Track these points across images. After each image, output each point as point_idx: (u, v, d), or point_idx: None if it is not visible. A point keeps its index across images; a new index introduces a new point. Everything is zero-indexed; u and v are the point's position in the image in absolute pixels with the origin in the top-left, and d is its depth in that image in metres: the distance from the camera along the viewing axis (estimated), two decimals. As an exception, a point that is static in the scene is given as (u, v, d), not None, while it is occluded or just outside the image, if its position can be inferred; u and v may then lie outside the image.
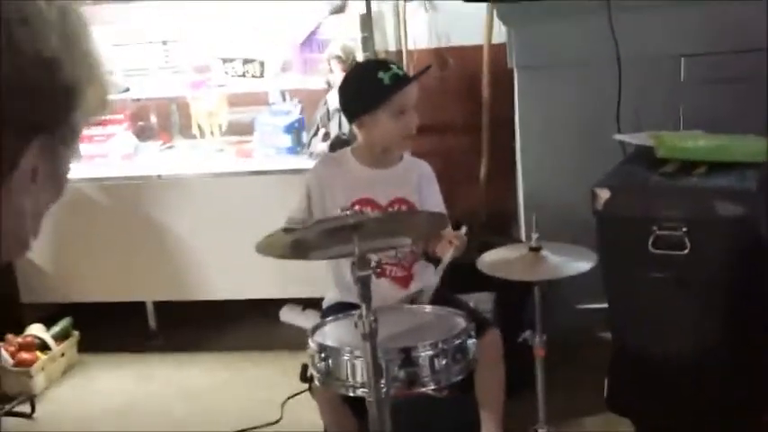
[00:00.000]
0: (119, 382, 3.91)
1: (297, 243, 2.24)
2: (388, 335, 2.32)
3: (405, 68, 4.23)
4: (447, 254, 2.69)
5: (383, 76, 2.74)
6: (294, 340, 4.11)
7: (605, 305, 3.63)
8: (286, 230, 2.29)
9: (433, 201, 2.92)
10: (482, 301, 3.19)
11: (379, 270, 2.17)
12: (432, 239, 2.73)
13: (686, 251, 2.84)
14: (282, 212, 3.88)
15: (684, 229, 2.84)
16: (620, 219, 2.93)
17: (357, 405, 2.75)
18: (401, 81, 2.76)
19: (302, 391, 3.57)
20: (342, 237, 2.21)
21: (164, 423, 3.54)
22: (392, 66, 2.81)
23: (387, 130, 2.78)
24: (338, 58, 3.78)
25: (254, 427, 3.42)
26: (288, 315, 4.32)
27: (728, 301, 2.86)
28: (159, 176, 4.13)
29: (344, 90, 2.88)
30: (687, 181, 2.93)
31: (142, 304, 4.28)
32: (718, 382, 2.90)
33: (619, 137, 3.40)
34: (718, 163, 2.99)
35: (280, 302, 4.34)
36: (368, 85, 2.77)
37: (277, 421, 3.47)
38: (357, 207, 2.72)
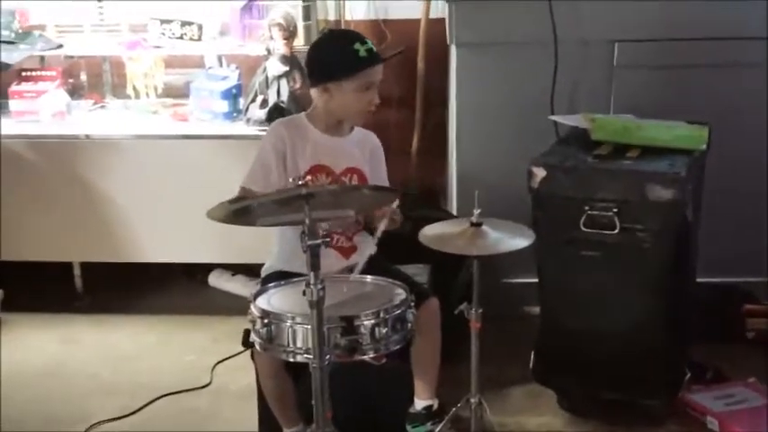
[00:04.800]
0: (44, 343, 3.87)
1: (246, 210, 2.25)
2: (330, 303, 2.36)
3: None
4: (381, 225, 2.74)
5: (359, 48, 2.76)
6: (223, 305, 4.15)
7: (530, 280, 3.75)
8: (233, 202, 2.30)
9: (381, 174, 2.97)
10: (418, 272, 3.25)
11: (328, 239, 2.21)
12: (375, 213, 2.77)
13: (616, 231, 2.95)
14: (215, 178, 3.91)
15: (615, 210, 2.94)
16: (555, 197, 3.02)
17: (295, 371, 2.81)
18: (375, 57, 2.80)
19: (232, 356, 3.63)
20: (292, 205, 2.24)
21: (91, 385, 3.53)
22: (367, 40, 2.81)
23: (349, 102, 2.81)
24: (279, 25, 3.78)
25: (184, 391, 3.43)
26: (217, 280, 4.33)
27: (655, 280, 2.98)
28: (87, 136, 4.06)
29: (317, 53, 2.88)
30: (620, 164, 3.02)
31: (69, 265, 4.24)
32: (642, 359, 3.02)
33: (555, 117, 3.49)
34: (650, 148, 3.10)
35: (208, 267, 4.34)
36: (343, 54, 2.78)
37: (206, 385, 3.48)
38: (310, 175, 2.75)
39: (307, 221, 2.19)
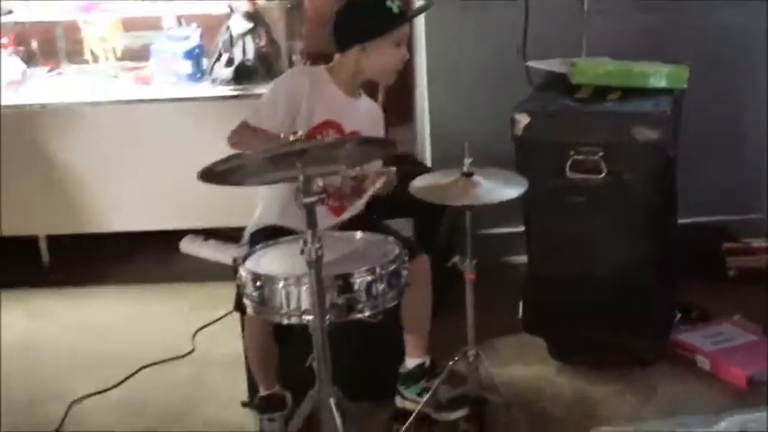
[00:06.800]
0: (15, 319, 3.74)
1: (242, 167, 2.17)
2: (323, 262, 2.30)
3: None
4: (374, 185, 2.69)
5: (391, 5, 2.78)
6: (197, 272, 4.06)
7: (508, 230, 3.72)
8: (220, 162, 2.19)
9: None
10: (401, 227, 3.18)
11: (324, 195, 2.14)
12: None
13: (602, 175, 2.92)
14: (182, 141, 3.81)
15: (601, 154, 2.91)
16: (539, 143, 2.98)
17: (280, 333, 2.75)
18: (405, 13, 2.83)
19: (211, 323, 3.56)
20: (284, 162, 2.16)
21: (69, 360, 3.43)
22: None
23: (384, 59, 2.81)
24: (242, -19, 3.67)
25: (166, 360, 3.35)
26: (189, 246, 4.23)
27: (643, 222, 2.96)
28: (43, 105, 3.91)
29: (350, 15, 2.83)
30: (603, 106, 2.99)
31: (34, 239, 4.11)
32: (632, 302, 3.01)
33: (531, 63, 3.44)
34: (630, 89, 3.06)
35: (179, 234, 4.24)
36: (378, 12, 2.78)
37: (189, 353, 3.41)
38: (320, 129, 2.73)
39: (301, 177, 2.12)
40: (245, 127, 2.75)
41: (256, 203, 2.94)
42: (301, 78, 2.85)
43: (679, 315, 3.20)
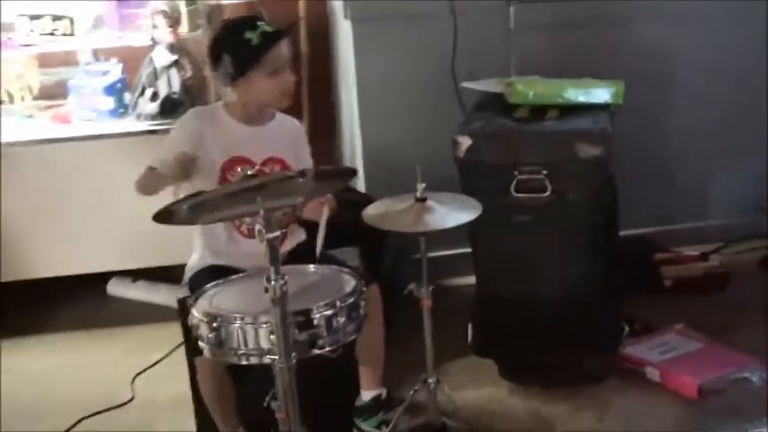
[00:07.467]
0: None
1: (196, 206, 2.08)
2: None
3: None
4: (323, 216, 2.61)
5: (251, 35, 2.60)
6: (127, 314, 3.91)
7: (442, 253, 3.70)
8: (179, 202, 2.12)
9: (305, 159, 2.84)
10: (348, 256, 3.13)
11: (285, 230, 2.07)
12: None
13: (547, 193, 2.92)
14: (108, 180, 3.68)
15: (545, 172, 2.91)
16: (482, 165, 2.96)
17: (234, 372, 2.65)
18: (270, 39, 2.62)
19: (150, 367, 3.42)
20: (240, 198, 2.09)
21: (10, 413, 3.23)
22: (259, 23, 2.63)
23: (262, 91, 2.67)
24: (163, 12, 3.57)
25: (109, 409, 3.20)
26: (116, 288, 4.07)
27: (588, 238, 2.98)
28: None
29: (214, 53, 2.69)
30: (544, 125, 3.00)
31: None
32: (580, 319, 3.01)
33: (468, 84, 3.43)
34: (567, 107, 3.08)
35: (105, 276, 4.07)
36: (236, 48, 2.62)
37: (130, 401, 3.27)
38: (229, 170, 2.62)
39: (261, 212, 2.05)
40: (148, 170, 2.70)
41: (192, 244, 2.83)
42: (195, 124, 2.73)
43: (627, 329, 3.21)
